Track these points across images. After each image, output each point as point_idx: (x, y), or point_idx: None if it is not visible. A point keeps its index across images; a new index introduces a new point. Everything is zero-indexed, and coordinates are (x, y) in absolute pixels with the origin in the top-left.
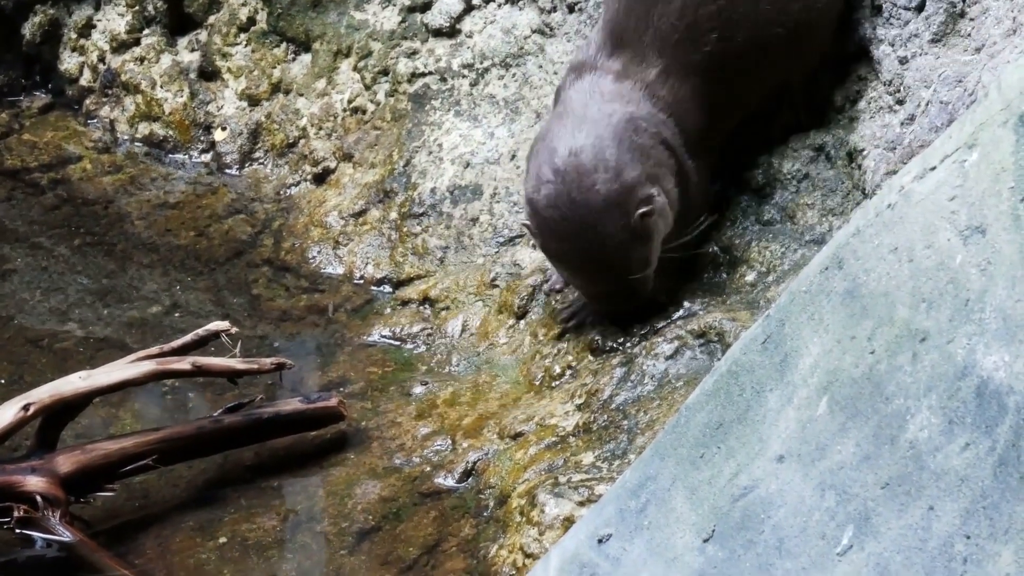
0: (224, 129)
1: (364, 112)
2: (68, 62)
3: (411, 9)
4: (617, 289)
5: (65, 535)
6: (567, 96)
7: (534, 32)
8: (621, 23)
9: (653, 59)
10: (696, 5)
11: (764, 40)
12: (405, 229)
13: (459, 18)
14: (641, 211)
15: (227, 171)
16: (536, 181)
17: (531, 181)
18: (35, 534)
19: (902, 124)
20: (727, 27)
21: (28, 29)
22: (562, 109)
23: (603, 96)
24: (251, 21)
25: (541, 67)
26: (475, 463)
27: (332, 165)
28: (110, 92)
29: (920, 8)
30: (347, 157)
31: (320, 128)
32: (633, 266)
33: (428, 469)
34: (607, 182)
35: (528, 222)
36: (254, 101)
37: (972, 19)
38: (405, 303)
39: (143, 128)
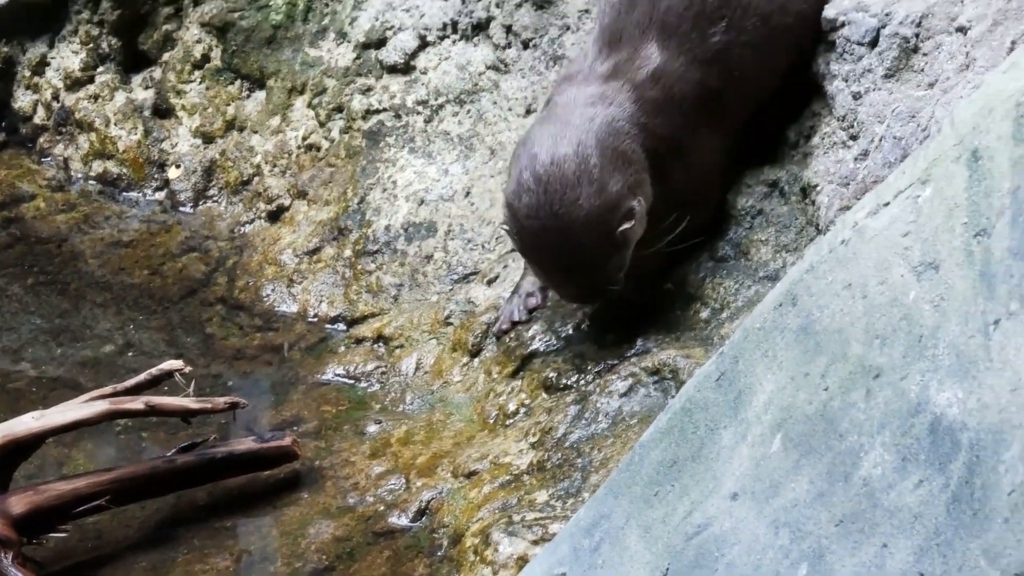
0: (178, 167)
1: (318, 149)
2: (22, 100)
3: (366, 46)
4: (591, 292)
5: None
6: (554, 102)
7: (489, 68)
8: (622, 20)
9: (653, 55)
10: None
11: (770, 31)
12: (359, 267)
13: (414, 55)
14: (623, 228)
15: (181, 209)
16: (517, 187)
17: (512, 185)
18: None
19: (856, 160)
20: (737, 16)
21: None
22: (547, 114)
23: (587, 99)
24: (205, 58)
25: (496, 103)
26: (429, 502)
27: (286, 202)
28: (64, 130)
29: (873, 43)
30: (301, 194)
31: (274, 165)
32: (611, 273)
33: (382, 508)
34: (590, 197)
35: (507, 225)
36: (208, 138)
37: (925, 54)
38: (359, 341)
39: (97, 166)
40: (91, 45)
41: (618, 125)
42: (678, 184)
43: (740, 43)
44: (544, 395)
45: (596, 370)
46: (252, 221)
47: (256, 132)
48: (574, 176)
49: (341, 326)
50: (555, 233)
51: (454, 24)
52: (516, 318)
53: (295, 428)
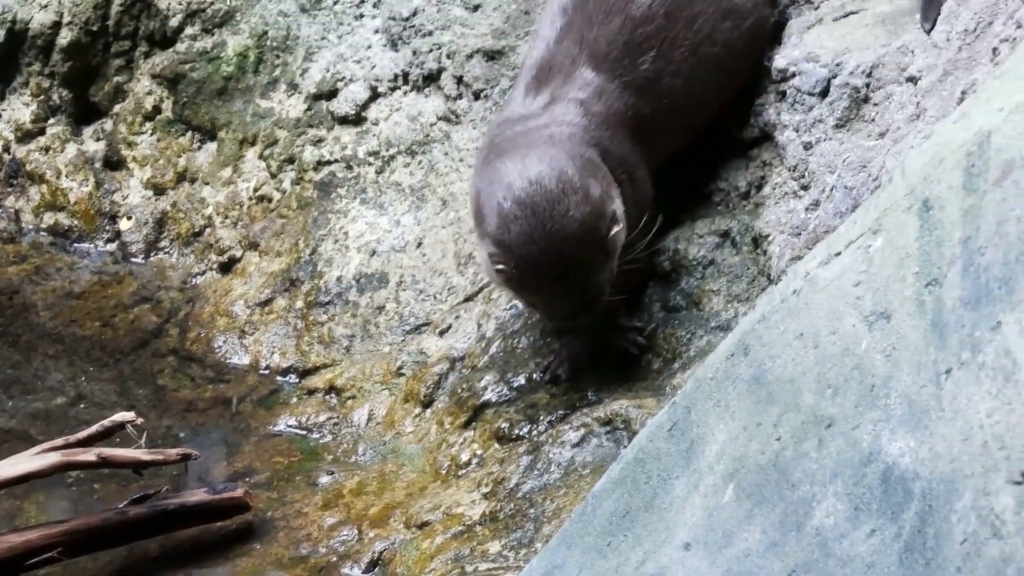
0: (130, 218)
1: (270, 200)
2: None
3: (317, 97)
4: (585, 305)
5: None
6: (499, 140)
7: (440, 119)
8: (551, 52)
9: (587, 79)
10: (634, 25)
11: (698, 60)
12: (311, 318)
13: (365, 105)
14: (612, 232)
15: (133, 260)
16: (501, 220)
17: (494, 223)
18: None
19: (807, 209)
20: (665, 46)
21: None
22: (496, 153)
23: (537, 125)
24: (156, 110)
25: (447, 154)
26: (381, 553)
27: (238, 254)
28: (15, 182)
29: (824, 93)
30: (253, 246)
31: (226, 217)
32: (602, 284)
33: (334, 559)
34: (579, 205)
35: (503, 265)
36: (160, 190)
37: (876, 104)
38: (311, 392)
39: (48, 218)
40: (42, 97)
41: (577, 137)
42: (628, 203)
43: (670, 72)
44: (496, 445)
45: (548, 420)
46: (204, 272)
47: (207, 183)
48: (557, 189)
49: (293, 377)
50: (552, 250)
51: (405, 75)
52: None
53: (247, 479)
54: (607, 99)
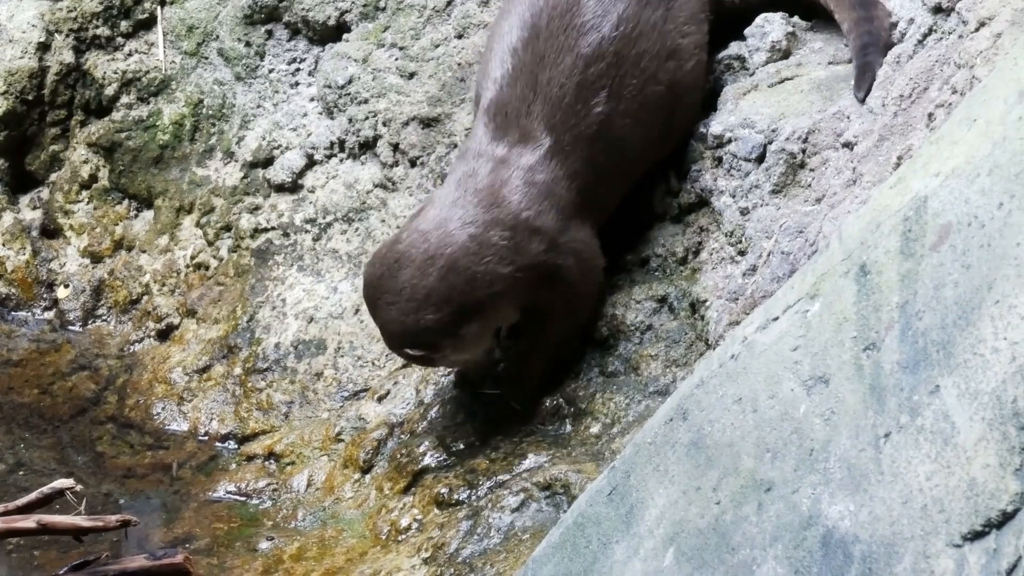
0: (67, 286)
1: (207, 268)
2: None
3: (253, 165)
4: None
5: None
6: (444, 185)
7: (376, 186)
8: (506, 95)
9: (540, 134)
10: (586, 64)
11: (647, 98)
12: (249, 384)
13: (301, 173)
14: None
15: (70, 328)
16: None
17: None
18: None
19: (744, 275)
20: (616, 84)
21: None
22: (428, 201)
23: (479, 179)
24: (93, 178)
25: (384, 221)
26: None
27: (176, 321)
28: None
29: (760, 159)
30: (190, 313)
31: (163, 284)
32: (440, 356)
33: None
34: (412, 289)
35: None
36: (97, 258)
37: (812, 170)
38: (250, 458)
39: None
40: None
41: (491, 233)
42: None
43: (620, 112)
44: (436, 510)
45: (488, 485)
46: (142, 340)
47: (144, 251)
48: (404, 264)
49: (232, 444)
50: (376, 318)
51: (341, 143)
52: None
53: (187, 545)
54: (558, 160)
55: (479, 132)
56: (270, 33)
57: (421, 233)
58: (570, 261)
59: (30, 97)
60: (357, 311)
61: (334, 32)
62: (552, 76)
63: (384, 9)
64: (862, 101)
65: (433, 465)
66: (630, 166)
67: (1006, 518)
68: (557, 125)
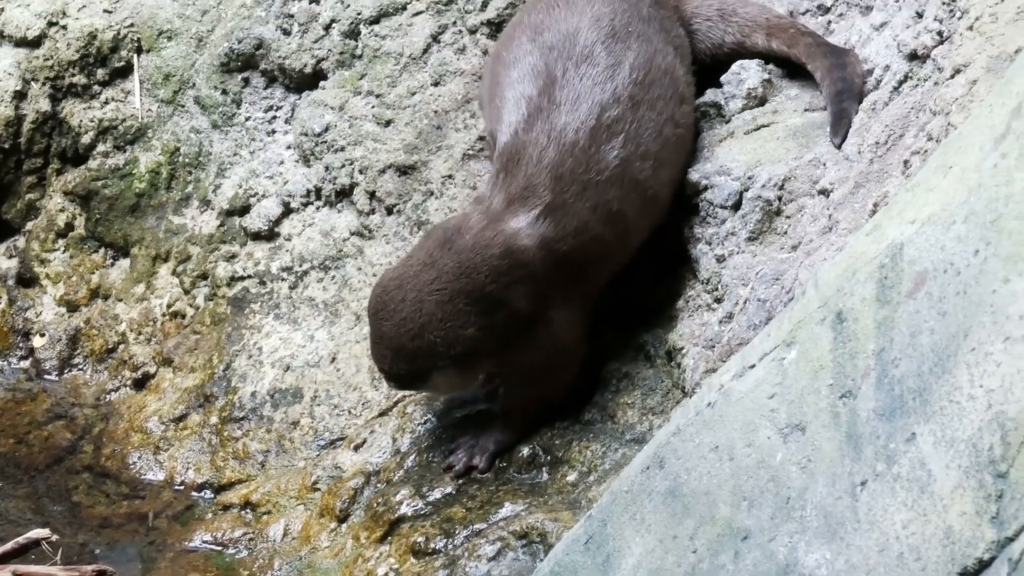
0: (43, 335)
1: (183, 316)
2: None
3: (229, 213)
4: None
5: None
6: (454, 219)
7: (353, 234)
8: (520, 139)
9: (542, 189)
10: (603, 109)
11: (667, 139)
12: (226, 433)
13: (277, 221)
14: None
15: (46, 377)
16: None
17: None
18: None
19: (720, 322)
20: (634, 128)
21: None
22: (424, 236)
23: (480, 228)
24: (69, 227)
25: (360, 269)
26: None
27: (152, 370)
28: None
29: (736, 207)
30: (167, 362)
31: (139, 333)
32: (426, 385)
33: None
34: (398, 331)
35: None
36: (73, 307)
37: (788, 217)
38: (226, 508)
39: None
40: None
41: (466, 292)
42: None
43: (639, 155)
44: (413, 560)
45: (464, 534)
46: (118, 389)
47: (121, 300)
48: (393, 303)
49: (208, 493)
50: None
51: (318, 191)
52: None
53: None
54: (552, 222)
55: (490, 175)
56: (247, 81)
57: (400, 284)
58: (539, 340)
59: (6, 145)
60: (334, 359)
61: (311, 80)
62: (568, 122)
63: (360, 57)
64: (839, 147)
65: (410, 514)
66: (653, 211)
67: (983, 566)
68: (566, 174)
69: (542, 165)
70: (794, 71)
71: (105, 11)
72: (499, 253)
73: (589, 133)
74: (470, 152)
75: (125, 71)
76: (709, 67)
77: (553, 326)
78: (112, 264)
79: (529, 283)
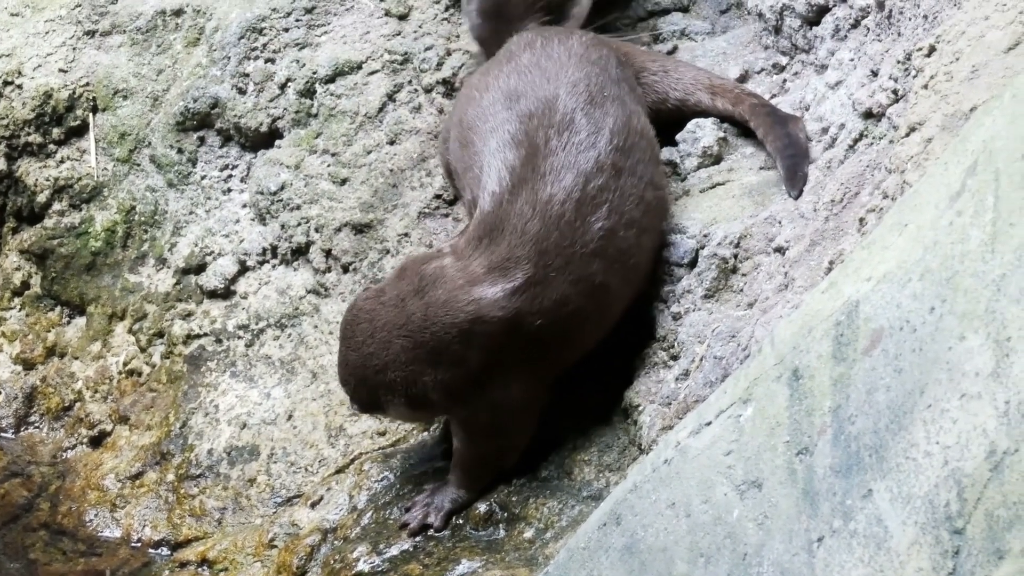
0: None
1: (140, 374)
2: None
3: (185, 271)
4: None
5: None
6: (419, 266)
7: (309, 292)
8: (504, 210)
9: (524, 262)
10: (587, 179)
11: (648, 204)
12: (182, 491)
13: (234, 279)
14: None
15: (2, 435)
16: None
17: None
18: None
19: (677, 379)
20: (617, 197)
21: None
22: (400, 269)
23: (453, 285)
24: (25, 285)
25: (316, 327)
26: None
27: (108, 428)
28: None
29: (692, 264)
30: (123, 419)
31: (96, 391)
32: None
33: None
34: (360, 357)
35: None
36: (29, 365)
37: (744, 275)
38: (183, 565)
39: None
40: None
41: (469, 328)
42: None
43: (624, 224)
44: None
45: None
46: (74, 447)
47: (77, 358)
48: (362, 335)
49: (165, 550)
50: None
51: (274, 249)
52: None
53: None
54: (528, 297)
55: (470, 235)
56: (202, 140)
57: (371, 320)
58: (494, 404)
59: None
60: (290, 417)
61: (266, 139)
62: (554, 193)
63: (316, 116)
64: (796, 198)
65: (367, 571)
66: (635, 277)
67: None
68: (550, 248)
69: (526, 238)
70: (750, 130)
71: (60, 70)
72: (469, 318)
73: (575, 205)
74: (426, 211)
75: (80, 130)
76: (652, 121)
77: (511, 393)
78: (68, 322)
79: (494, 352)
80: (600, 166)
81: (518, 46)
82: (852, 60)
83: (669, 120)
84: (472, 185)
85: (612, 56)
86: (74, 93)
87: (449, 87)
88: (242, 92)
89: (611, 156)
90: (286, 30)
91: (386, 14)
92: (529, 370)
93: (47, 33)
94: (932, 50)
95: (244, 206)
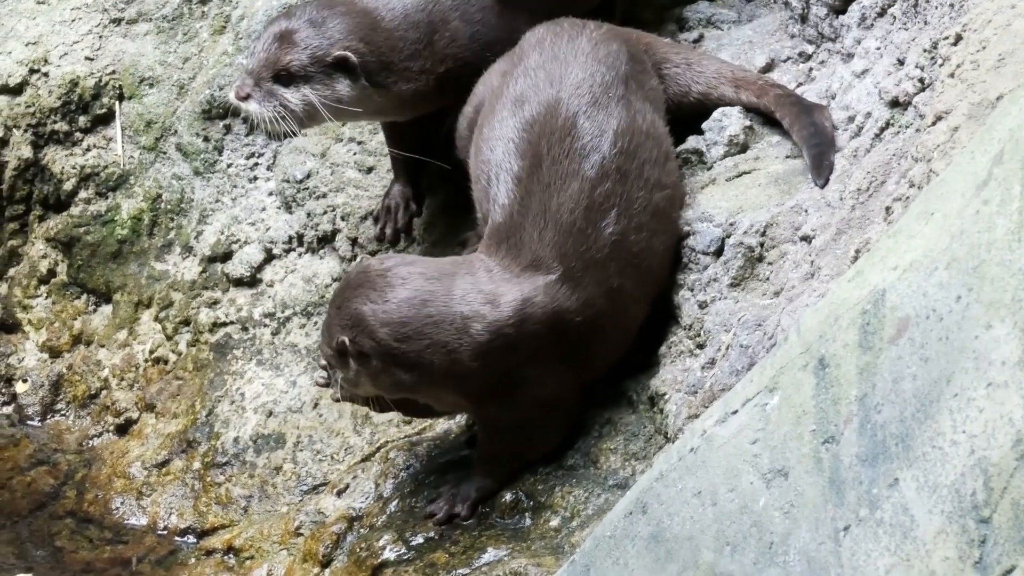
0: (25, 381)
1: (166, 362)
2: None
3: (212, 259)
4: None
5: None
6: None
7: (335, 280)
8: (517, 221)
9: (552, 261)
10: (592, 186)
11: (656, 206)
12: (209, 479)
13: (260, 267)
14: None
15: (29, 423)
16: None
17: None
18: None
19: (703, 368)
20: (625, 201)
21: None
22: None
23: (474, 278)
24: (51, 273)
25: None
26: None
27: (134, 416)
28: None
29: (719, 253)
30: (149, 407)
31: (122, 379)
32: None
33: None
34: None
35: None
36: (55, 353)
37: (770, 263)
38: (209, 553)
39: None
40: None
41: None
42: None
43: (633, 228)
44: None
45: None
46: (100, 435)
47: (103, 346)
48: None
49: (191, 538)
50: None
51: (300, 237)
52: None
53: None
54: (567, 290)
55: (488, 241)
56: (228, 128)
57: (416, 294)
58: (525, 402)
59: None
60: (316, 405)
61: None
62: (561, 202)
63: None
64: (822, 187)
65: (392, 559)
66: (651, 279)
67: None
68: (570, 251)
69: (544, 243)
70: (776, 120)
71: (87, 58)
72: (508, 315)
73: (584, 212)
74: (449, 201)
75: (107, 118)
76: (674, 114)
77: (542, 392)
78: (94, 310)
79: (531, 348)
80: (605, 172)
81: (529, 44)
82: (878, 48)
83: (692, 113)
84: (481, 198)
85: (623, 51)
86: (100, 81)
87: None
88: None
89: (616, 160)
90: None
91: None
92: (562, 370)
93: (73, 21)
94: (959, 38)
95: (270, 194)
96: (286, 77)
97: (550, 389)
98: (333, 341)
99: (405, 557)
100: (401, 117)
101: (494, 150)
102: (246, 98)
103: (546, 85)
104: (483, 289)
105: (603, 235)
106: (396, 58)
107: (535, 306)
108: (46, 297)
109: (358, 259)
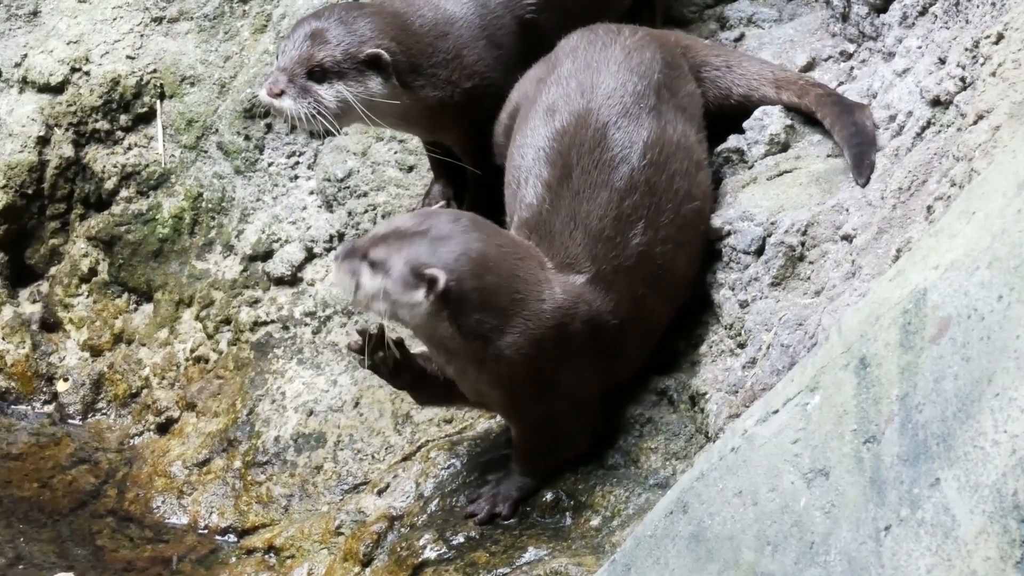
0: (66, 380)
1: (207, 361)
2: None
3: (252, 258)
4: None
5: None
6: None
7: None
8: (546, 221)
9: (584, 260)
10: (621, 197)
11: (684, 218)
12: (249, 478)
13: (300, 266)
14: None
15: (70, 422)
16: None
17: None
18: None
19: (744, 367)
20: (653, 213)
21: None
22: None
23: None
24: (92, 272)
25: None
26: None
27: (175, 415)
28: None
29: (759, 252)
30: (190, 406)
31: (163, 378)
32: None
33: None
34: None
35: None
36: (96, 351)
37: (811, 263)
38: (250, 552)
39: None
40: None
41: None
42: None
43: (659, 240)
44: None
45: None
46: (141, 433)
47: (144, 345)
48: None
49: (232, 537)
50: None
51: (340, 236)
52: None
53: None
54: (599, 290)
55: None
56: (269, 127)
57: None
58: (549, 400)
59: (30, 191)
60: (357, 404)
61: None
62: (591, 210)
63: None
64: (863, 186)
65: (433, 558)
66: (674, 291)
67: None
68: (600, 255)
69: (575, 242)
70: (816, 119)
71: (128, 57)
72: (568, 306)
73: (613, 222)
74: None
75: (148, 117)
76: (715, 116)
77: (574, 392)
78: (135, 309)
79: (564, 342)
80: (633, 184)
81: (563, 51)
82: (920, 47)
83: (734, 115)
84: (511, 201)
85: (658, 58)
86: (141, 80)
87: None
88: None
89: (644, 172)
90: None
91: None
92: (594, 370)
93: (115, 20)
94: (1000, 37)
95: (311, 193)
96: (319, 73)
97: (580, 389)
98: (414, 271)
99: (446, 556)
100: (425, 133)
101: (525, 157)
102: (280, 95)
103: (577, 95)
104: (546, 279)
105: (630, 245)
106: (425, 62)
107: (583, 302)
108: (87, 296)
109: None
